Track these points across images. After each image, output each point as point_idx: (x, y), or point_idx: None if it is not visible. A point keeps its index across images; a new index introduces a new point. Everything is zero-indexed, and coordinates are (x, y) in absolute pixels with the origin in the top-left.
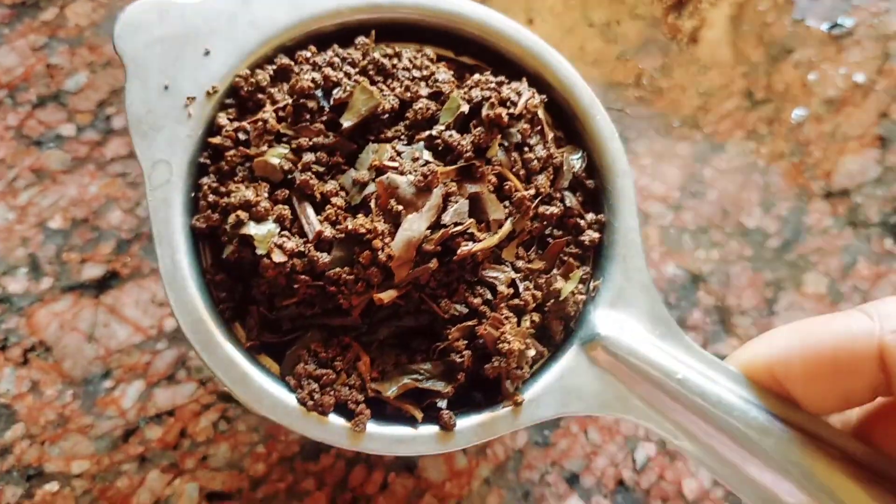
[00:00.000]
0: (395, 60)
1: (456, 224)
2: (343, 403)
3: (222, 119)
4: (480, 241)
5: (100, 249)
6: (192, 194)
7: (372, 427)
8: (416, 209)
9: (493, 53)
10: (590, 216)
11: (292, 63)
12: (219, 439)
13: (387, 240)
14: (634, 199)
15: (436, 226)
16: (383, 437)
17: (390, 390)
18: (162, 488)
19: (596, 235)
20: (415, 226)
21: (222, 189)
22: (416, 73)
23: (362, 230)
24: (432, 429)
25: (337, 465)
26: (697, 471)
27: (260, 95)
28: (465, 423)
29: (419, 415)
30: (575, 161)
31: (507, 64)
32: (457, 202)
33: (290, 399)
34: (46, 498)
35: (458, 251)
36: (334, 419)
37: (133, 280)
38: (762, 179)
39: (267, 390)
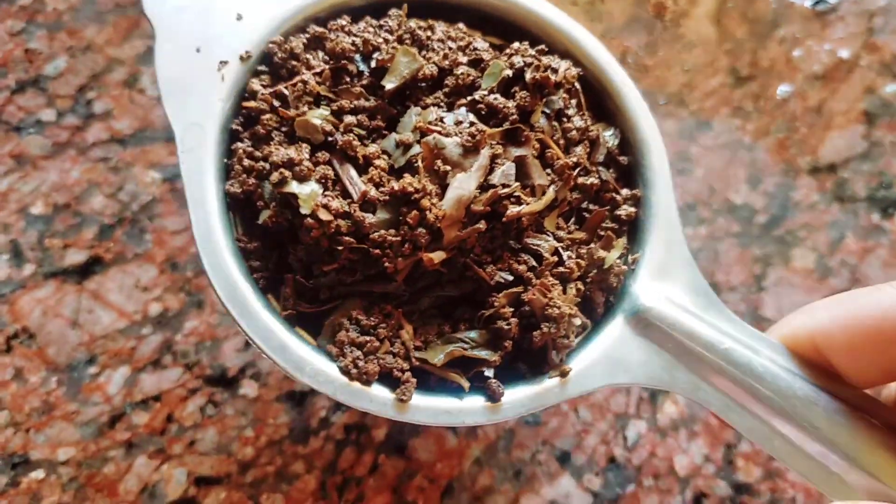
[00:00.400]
0: (429, 32)
1: (504, 186)
2: (387, 372)
3: (256, 84)
4: (527, 203)
5: (82, 235)
6: (225, 161)
7: (417, 398)
8: (463, 170)
9: (522, 33)
10: (625, 191)
11: (326, 31)
12: (206, 424)
13: (434, 200)
14: (669, 174)
15: (484, 186)
16: (429, 408)
17: (437, 358)
18: (149, 474)
19: (633, 210)
20: (465, 184)
21: (258, 153)
22: (452, 44)
23: (410, 189)
24: (479, 399)
25: (326, 448)
26: (688, 447)
27: (294, 63)
28: (512, 394)
29: (466, 384)
30: (609, 137)
31: (536, 43)
32: (503, 164)
33: (333, 368)
34: (32, 486)
35: (507, 213)
36: (378, 389)
37: (117, 265)
38: (749, 156)
39: (308, 359)
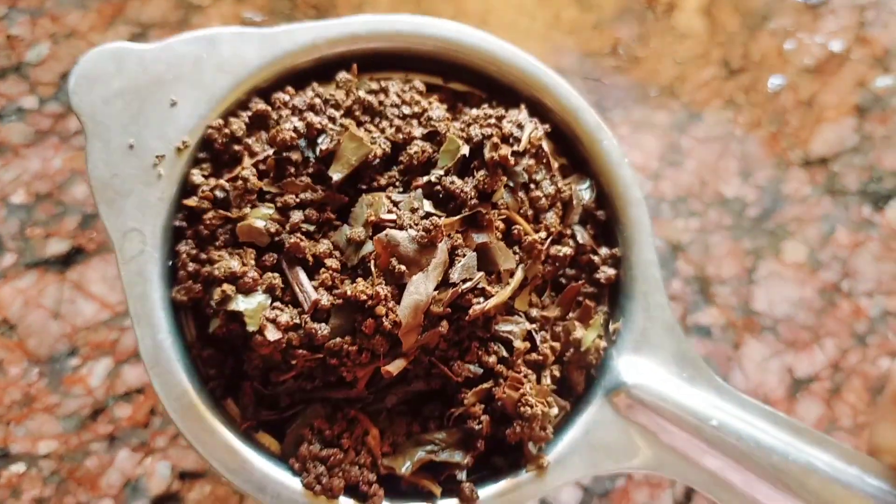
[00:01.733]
0: (381, 97)
1: (465, 280)
2: (354, 485)
3: (196, 177)
4: (492, 295)
5: (64, 224)
6: (170, 262)
7: None
8: (420, 268)
9: (486, 79)
10: (603, 251)
11: (269, 108)
12: None
13: (391, 304)
14: (650, 229)
15: (443, 284)
16: None
17: (404, 467)
18: (132, 468)
19: (612, 272)
20: (421, 288)
21: (203, 256)
22: (407, 110)
23: (363, 296)
24: (452, 502)
25: None
26: None
27: (236, 147)
28: (487, 492)
29: (437, 490)
30: (583, 192)
31: (501, 89)
32: (464, 255)
33: (296, 483)
34: (13, 480)
35: (471, 311)
36: (345, 502)
37: (99, 255)
38: (740, 149)
39: (269, 477)
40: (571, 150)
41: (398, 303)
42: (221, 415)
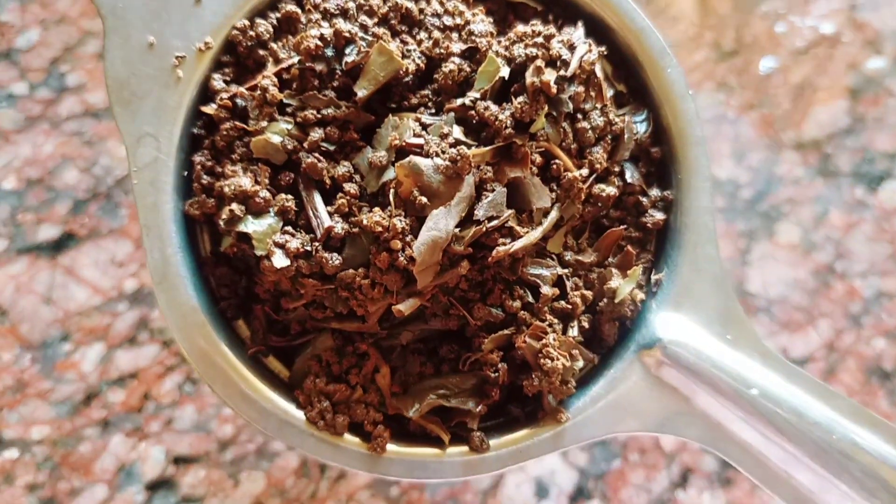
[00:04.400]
0: (423, 3)
1: (491, 219)
2: (359, 423)
3: (217, 82)
4: (521, 236)
5: (56, 210)
6: (185, 172)
7: (392, 449)
8: (443, 201)
9: None
10: (654, 192)
11: (299, 10)
12: (184, 401)
13: (408, 239)
14: (709, 173)
15: (467, 221)
16: (405, 462)
17: (413, 409)
18: (126, 453)
19: (661, 217)
20: (441, 223)
21: (218, 169)
22: (448, 21)
23: (378, 228)
24: (461, 450)
25: None
26: None
27: (261, 52)
28: (499, 443)
29: (446, 436)
30: (639, 124)
31: (560, 2)
32: (493, 191)
33: (300, 416)
34: (6, 465)
35: (494, 252)
36: (349, 439)
37: (91, 240)
38: (733, 131)
39: (270, 409)
40: (631, 76)
41: (416, 237)
42: (229, 338)
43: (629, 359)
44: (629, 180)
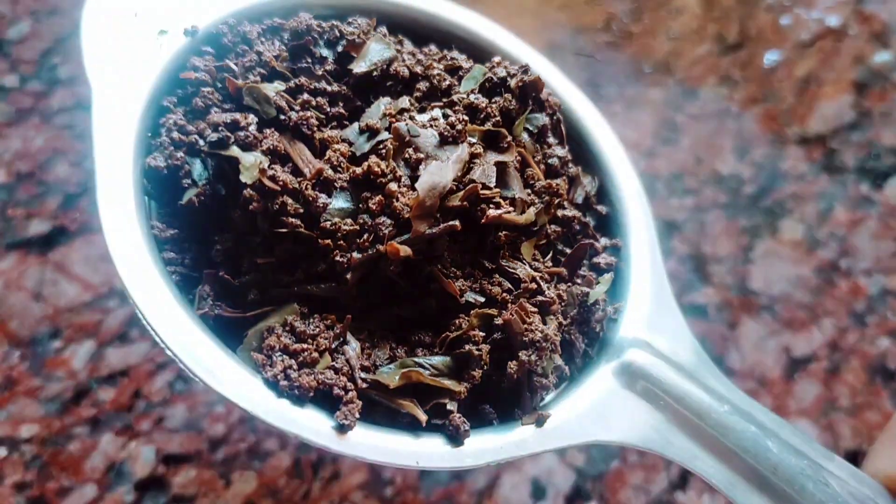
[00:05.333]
0: (398, 46)
1: (484, 186)
2: (327, 389)
3: (197, 61)
4: (508, 211)
5: (46, 204)
6: (148, 135)
7: (361, 429)
8: (438, 161)
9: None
10: (604, 240)
11: (284, 21)
12: (175, 400)
13: (404, 188)
14: (651, 221)
15: (462, 182)
16: (376, 442)
17: (390, 379)
18: (116, 451)
19: (612, 259)
20: (441, 171)
21: (191, 128)
22: (422, 57)
23: (377, 169)
24: (437, 440)
25: None
26: None
27: (244, 48)
28: (478, 439)
29: (423, 417)
30: (587, 183)
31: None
32: (483, 165)
33: (256, 381)
34: None
35: (487, 214)
36: (312, 412)
37: (82, 236)
38: (736, 125)
39: (228, 364)
40: (576, 151)
41: (411, 190)
42: (183, 302)
43: (604, 373)
44: (584, 222)
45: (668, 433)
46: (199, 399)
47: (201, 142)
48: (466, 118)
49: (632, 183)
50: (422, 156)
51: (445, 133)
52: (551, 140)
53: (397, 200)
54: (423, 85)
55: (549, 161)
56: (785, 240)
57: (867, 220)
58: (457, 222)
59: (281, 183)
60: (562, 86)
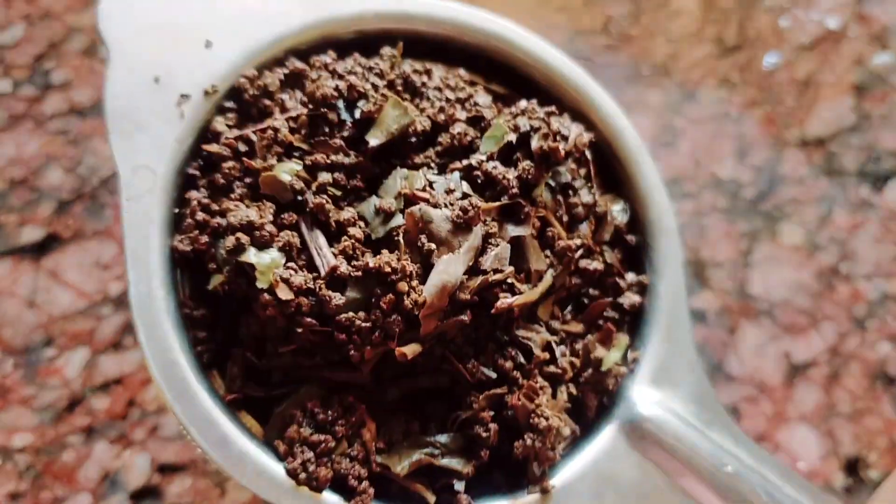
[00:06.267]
0: (424, 78)
1: (496, 271)
2: (342, 478)
3: (220, 125)
4: (520, 292)
5: (39, 211)
6: (176, 210)
7: None
8: (450, 249)
9: (530, 83)
10: (630, 276)
11: (307, 68)
12: None
13: (415, 283)
14: (681, 261)
15: (474, 271)
16: None
17: (400, 466)
18: (111, 461)
19: (637, 299)
20: (451, 268)
21: (214, 207)
22: (450, 95)
23: (387, 269)
24: None
25: None
26: None
27: (267, 102)
28: None
29: (431, 498)
30: (617, 213)
31: (545, 97)
32: (497, 245)
33: (278, 469)
34: None
35: (497, 304)
36: (329, 497)
37: (75, 242)
38: (735, 129)
39: (250, 455)
40: (609, 171)
41: (422, 283)
42: (206, 384)
43: (611, 433)
44: (609, 261)
45: (670, 493)
46: None
47: (224, 223)
48: (479, 204)
49: (665, 216)
50: (433, 246)
51: (458, 220)
52: (577, 184)
53: (408, 297)
54: (444, 139)
55: (574, 210)
56: (785, 244)
57: (867, 224)
58: (465, 316)
59: (295, 287)
60: (599, 101)
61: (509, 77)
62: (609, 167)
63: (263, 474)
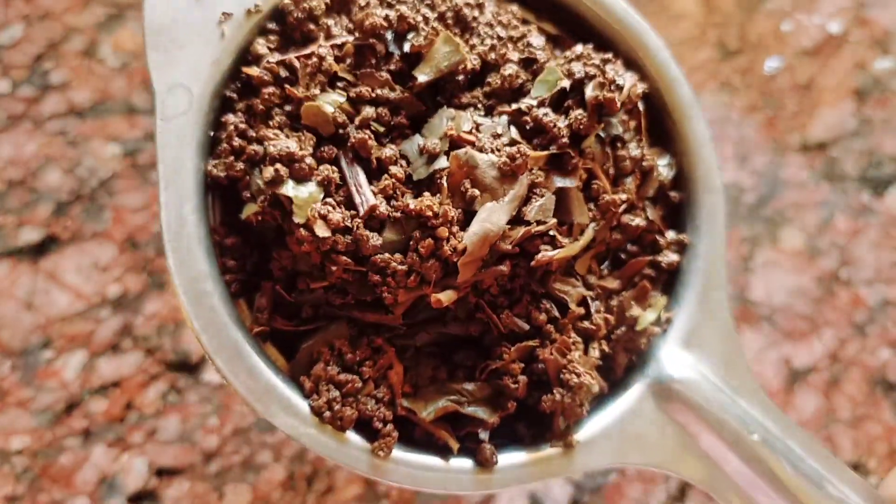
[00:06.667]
0: (476, 12)
1: (539, 223)
2: (367, 419)
3: (261, 47)
4: (561, 246)
5: (38, 212)
6: (212, 133)
7: (397, 453)
8: (494, 197)
9: (583, 25)
10: (670, 234)
11: None
12: (168, 411)
13: (455, 229)
14: (724, 221)
15: (516, 221)
16: (410, 468)
17: (426, 411)
18: (108, 464)
19: (675, 258)
20: (494, 217)
21: (251, 133)
22: (502, 32)
23: (428, 212)
24: (467, 463)
25: None
26: None
27: (312, 26)
28: (506, 460)
29: (455, 445)
30: (662, 168)
31: (597, 40)
32: (542, 196)
33: (302, 405)
34: None
35: (538, 257)
36: (352, 436)
37: (74, 244)
38: (736, 133)
39: (275, 390)
40: (657, 123)
41: (462, 230)
42: (233, 313)
43: (640, 392)
44: (650, 218)
45: (692, 455)
46: (192, 411)
47: (261, 152)
48: (527, 152)
49: (713, 174)
50: (477, 193)
51: (504, 167)
52: (627, 136)
53: (447, 243)
54: (494, 79)
55: (621, 164)
56: (785, 249)
57: (868, 230)
58: (504, 267)
59: (333, 225)
60: (655, 50)
61: (562, 17)
62: (658, 119)
63: (288, 409)
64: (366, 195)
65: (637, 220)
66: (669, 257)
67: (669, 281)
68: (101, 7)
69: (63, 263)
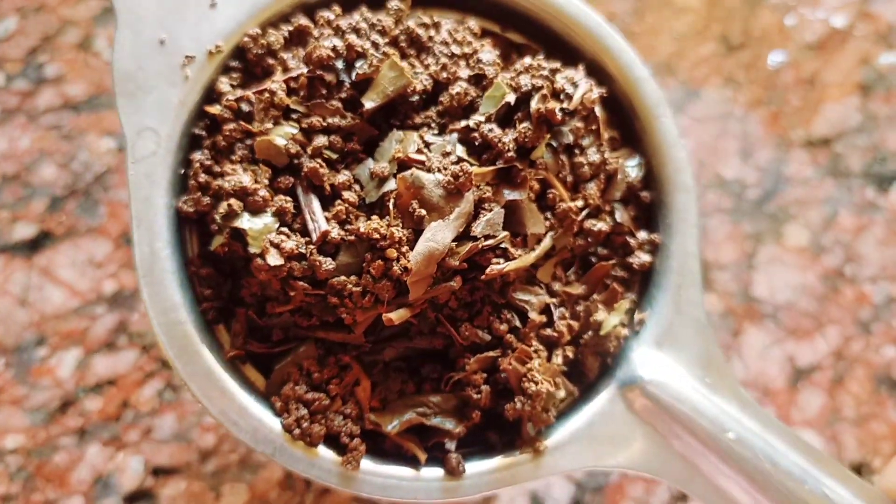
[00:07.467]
0: (431, 32)
1: (487, 237)
2: (335, 435)
3: (223, 85)
4: (514, 258)
5: (32, 207)
6: (182, 171)
7: (367, 465)
8: (441, 215)
9: (547, 32)
10: (641, 235)
11: (311, 25)
12: (164, 409)
13: (404, 249)
14: (696, 220)
15: (464, 237)
16: (378, 480)
17: (391, 425)
18: (104, 463)
19: (647, 259)
20: (438, 235)
21: (216, 168)
22: (456, 50)
23: (376, 235)
24: (437, 472)
25: None
26: None
27: (270, 60)
28: (475, 468)
29: (423, 456)
30: (631, 169)
31: (562, 46)
32: (491, 210)
33: (275, 423)
34: None
35: (487, 270)
36: (323, 451)
37: (69, 239)
38: (740, 128)
39: (247, 411)
40: (625, 124)
41: (412, 249)
42: (209, 340)
43: (610, 395)
44: (619, 220)
45: (667, 457)
46: (188, 409)
47: (226, 186)
48: (470, 170)
49: (682, 172)
50: (424, 213)
51: (449, 186)
52: (585, 142)
53: (397, 263)
54: (445, 98)
55: (579, 170)
56: (789, 246)
57: (872, 226)
58: (454, 283)
59: (287, 253)
60: (618, 51)
61: (525, 26)
62: (626, 121)
63: (260, 429)
64: (318, 222)
65: (600, 225)
66: (641, 258)
67: (643, 281)
68: (96, 0)
69: (57, 259)
